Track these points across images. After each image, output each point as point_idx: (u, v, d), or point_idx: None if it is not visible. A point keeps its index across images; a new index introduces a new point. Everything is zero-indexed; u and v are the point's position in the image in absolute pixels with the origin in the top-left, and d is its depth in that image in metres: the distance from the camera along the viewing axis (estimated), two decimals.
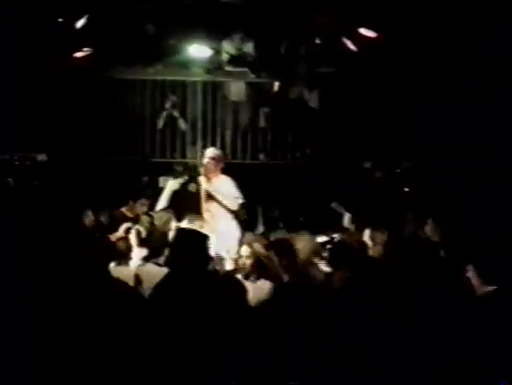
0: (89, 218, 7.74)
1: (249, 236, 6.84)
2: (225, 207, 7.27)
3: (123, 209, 8.36)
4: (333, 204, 8.22)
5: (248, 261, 5.82)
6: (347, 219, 7.66)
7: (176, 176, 9.60)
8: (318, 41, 10.13)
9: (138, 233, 6.80)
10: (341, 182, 9.29)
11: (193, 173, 9.01)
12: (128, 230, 6.82)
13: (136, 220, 7.86)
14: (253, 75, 10.03)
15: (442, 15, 9.15)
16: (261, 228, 8.54)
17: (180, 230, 5.61)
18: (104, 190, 8.89)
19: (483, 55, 8.99)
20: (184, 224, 6.69)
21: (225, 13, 9.93)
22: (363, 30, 9.66)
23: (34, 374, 4.17)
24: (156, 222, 7.18)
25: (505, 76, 8.77)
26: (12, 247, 6.51)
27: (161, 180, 9.59)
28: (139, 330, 4.22)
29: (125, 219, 7.72)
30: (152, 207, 8.07)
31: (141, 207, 8.34)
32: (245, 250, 5.94)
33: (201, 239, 4.67)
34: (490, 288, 4.50)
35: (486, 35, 8.94)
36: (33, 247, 6.68)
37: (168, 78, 10.04)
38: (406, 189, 9.24)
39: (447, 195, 8.52)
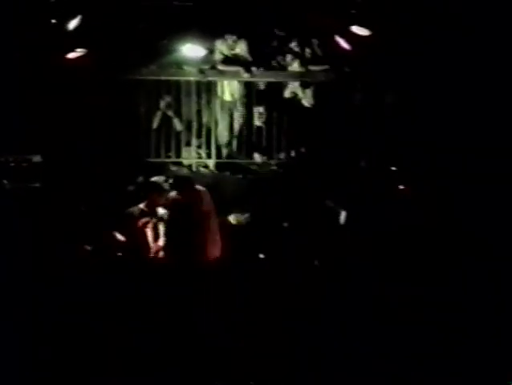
0: None
1: None
2: None
3: None
4: (328, 202, 8.25)
5: None
6: (343, 217, 7.69)
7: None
8: (311, 39, 10.16)
9: None
10: (336, 180, 9.31)
11: None
12: None
13: None
14: (246, 74, 10.04)
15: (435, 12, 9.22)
16: None
17: None
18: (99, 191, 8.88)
19: (477, 51, 9.05)
20: None
21: (218, 12, 9.95)
22: (355, 29, 9.69)
23: None
24: None
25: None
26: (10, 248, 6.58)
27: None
28: None
29: None
30: None
31: None
32: None
33: None
34: None
35: (481, 31, 9.00)
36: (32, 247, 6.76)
37: (162, 78, 10.05)
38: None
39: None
